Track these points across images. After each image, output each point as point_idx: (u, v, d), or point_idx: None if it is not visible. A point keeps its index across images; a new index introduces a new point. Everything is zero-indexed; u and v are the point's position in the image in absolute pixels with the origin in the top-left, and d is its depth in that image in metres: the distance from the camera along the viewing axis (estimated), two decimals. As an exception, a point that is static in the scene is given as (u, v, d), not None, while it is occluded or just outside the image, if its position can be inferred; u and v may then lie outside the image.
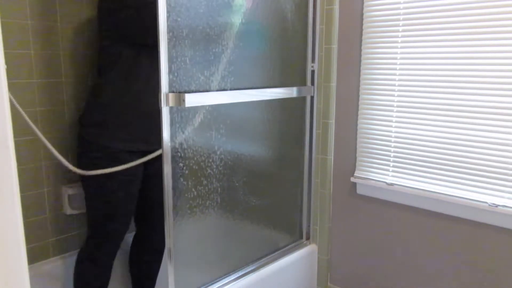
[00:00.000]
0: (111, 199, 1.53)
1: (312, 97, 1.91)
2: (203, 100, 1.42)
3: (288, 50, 1.77)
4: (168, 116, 1.33)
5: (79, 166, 1.51)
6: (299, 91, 1.81)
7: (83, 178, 1.55)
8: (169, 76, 1.32)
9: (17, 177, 0.63)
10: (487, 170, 1.51)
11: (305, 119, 1.92)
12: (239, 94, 1.54)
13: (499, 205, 1.49)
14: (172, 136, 1.36)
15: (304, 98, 1.89)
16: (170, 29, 1.30)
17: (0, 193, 0.59)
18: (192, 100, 1.36)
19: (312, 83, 1.89)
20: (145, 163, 1.60)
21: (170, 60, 1.31)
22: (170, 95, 1.33)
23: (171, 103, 1.33)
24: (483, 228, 1.55)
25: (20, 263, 0.63)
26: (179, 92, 1.35)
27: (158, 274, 2.05)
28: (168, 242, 1.40)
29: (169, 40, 1.30)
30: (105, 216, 1.55)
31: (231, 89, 1.53)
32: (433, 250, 1.69)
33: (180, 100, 1.33)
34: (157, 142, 1.54)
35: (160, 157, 1.56)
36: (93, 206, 1.55)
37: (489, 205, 1.50)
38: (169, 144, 1.35)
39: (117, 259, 1.88)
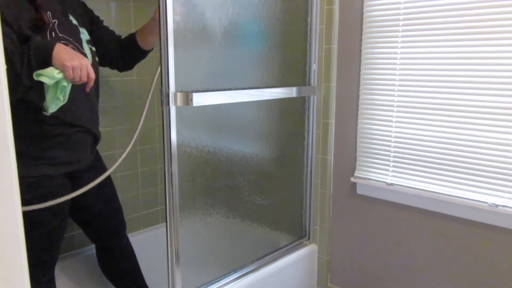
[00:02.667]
0: (45, 231, 1.40)
1: (313, 97, 1.91)
2: (210, 100, 1.42)
3: (290, 50, 1.77)
4: (175, 115, 1.34)
5: None
6: (301, 91, 1.81)
7: None
8: (176, 75, 1.32)
9: (17, 177, 0.63)
10: (487, 170, 1.51)
11: (305, 119, 1.92)
12: (243, 94, 1.54)
13: (499, 205, 1.49)
14: (177, 136, 1.36)
15: (304, 98, 1.89)
16: (176, 29, 1.30)
17: (0, 193, 0.59)
18: (199, 99, 1.36)
19: (314, 83, 1.89)
20: (72, 183, 1.48)
21: (177, 60, 1.31)
22: (178, 94, 1.33)
23: (179, 103, 1.33)
24: (483, 228, 1.55)
25: (20, 263, 0.63)
26: (187, 92, 1.35)
27: (157, 272, 2.05)
28: (174, 243, 1.40)
29: (175, 39, 1.30)
30: (41, 248, 1.42)
31: (234, 89, 1.53)
32: (433, 250, 1.69)
33: (187, 100, 1.34)
34: (82, 160, 1.48)
35: (86, 173, 1.52)
36: (27, 240, 1.40)
37: (489, 205, 1.50)
38: (176, 144, 1.35)
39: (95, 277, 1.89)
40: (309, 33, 1.85)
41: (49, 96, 1.20)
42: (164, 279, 1.51)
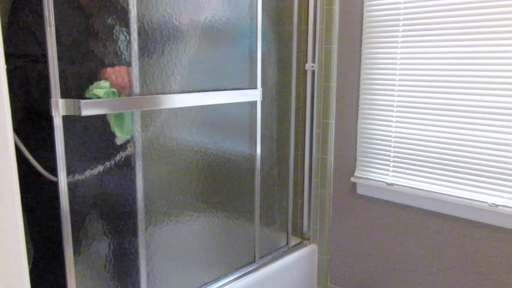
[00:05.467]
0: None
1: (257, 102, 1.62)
2: (109, 107, 1.15)
3: (233, 52, 1.53)
4: (62, 127, 1.07)
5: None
6: (244, 95, 1.56)
7: (28, 196, 1.36)
8: (60, 77, 1.05)
9: (17, 177, 0.63)
10: (487, 170, 1.51)
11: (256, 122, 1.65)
12: (163, 99, 1.29)
13: (499, 205, 1.49)
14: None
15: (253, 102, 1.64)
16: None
17: (0, 193, 0.59)
18: (91, 108, 1.09)
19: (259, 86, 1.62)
20: None
21: (64, 60, 1.07)
22: (61, 101, 1.06)
23: (62, 112, 1.06)
24: (483, 228, 1.55)
25: (20, 263, 0.63)
26: (74, 98, 1.07)
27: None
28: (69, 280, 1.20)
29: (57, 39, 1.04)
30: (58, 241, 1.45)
31: (156, 94, 1.29)
32: (433, 249, 1.69)
33: (75, 108, 1.07)
34: None
35: None
36: (46, 231, 1.42)
37: (489, 205, 1.50)
38: (63, 156, 1.10)
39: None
40: (309, 33, 1.85)
41: (115, 121, 1.21)
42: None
